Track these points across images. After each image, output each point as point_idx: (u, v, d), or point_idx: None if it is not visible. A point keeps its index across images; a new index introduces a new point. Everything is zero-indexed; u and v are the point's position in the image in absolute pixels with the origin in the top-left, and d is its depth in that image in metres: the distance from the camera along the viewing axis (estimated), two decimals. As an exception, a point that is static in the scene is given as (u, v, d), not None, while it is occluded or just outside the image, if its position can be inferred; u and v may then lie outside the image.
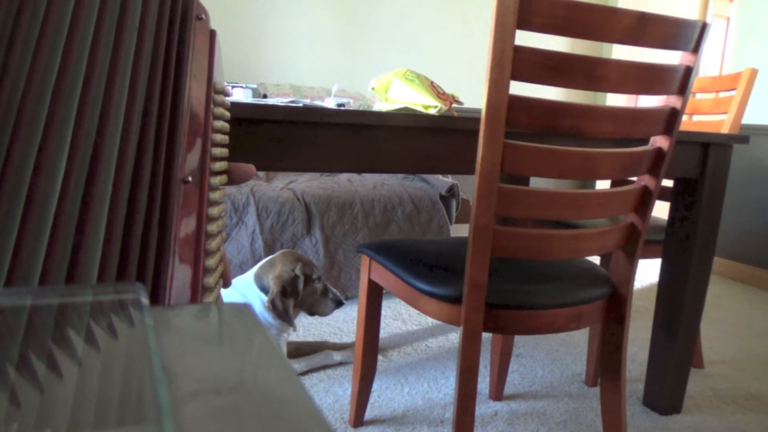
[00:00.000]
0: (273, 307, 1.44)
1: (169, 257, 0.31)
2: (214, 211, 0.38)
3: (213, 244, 0.37)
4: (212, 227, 0.37)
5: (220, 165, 0.40)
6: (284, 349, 1.61)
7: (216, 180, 0.39)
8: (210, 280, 0.35)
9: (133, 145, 0.32)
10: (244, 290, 1.51)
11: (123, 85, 0.33)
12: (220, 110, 0.41)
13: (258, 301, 1.47)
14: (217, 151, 0.40)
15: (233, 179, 0.45)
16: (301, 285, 1.50)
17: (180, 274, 0.32)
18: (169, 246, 0.32)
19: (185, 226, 0.34)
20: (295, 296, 1.49)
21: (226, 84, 0.48)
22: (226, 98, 0.46)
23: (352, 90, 3.00)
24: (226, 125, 0.44)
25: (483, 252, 0.91)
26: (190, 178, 0.35)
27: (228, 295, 1.51)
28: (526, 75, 0.84)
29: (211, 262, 0.36)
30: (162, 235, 0.32)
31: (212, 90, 0.40)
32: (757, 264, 2.87)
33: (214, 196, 0.38)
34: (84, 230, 0.29)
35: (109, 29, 0.33)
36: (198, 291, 0.33)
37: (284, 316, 1.45)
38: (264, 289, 1.48)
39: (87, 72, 0.31)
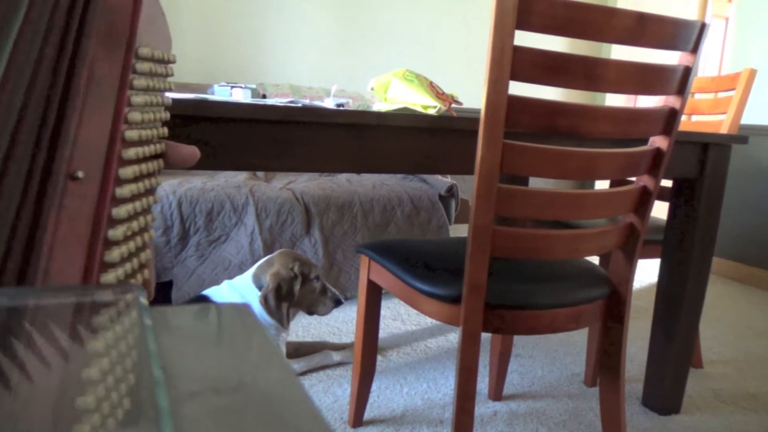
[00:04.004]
0: (265, 302, 1.44)
1: (38, 267, 0.26)
2: (120, 211, 0.30)
3: (115, 253, 0.29)
4: (116, 232, 0.29)
5: (135, 151, 0.32)
6: (283, 349, 1.60)
7: (128, 171, 0.31)
8: None
9: (6, 131, 0.26)
10: (243, 290, 1.51)
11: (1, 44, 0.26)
12: (143, 81, 0.33)
13: (257, 301, 1.47)
14: (134, 135, 0.31)
15: (171, 164, 0.38)
16: (297, 285, 1.50)
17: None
18: (40, 256, 0.26)
19: (69, 232, 0.27)
20: (289, 298, 1.48)
21: (171, 53, 0.38)
22: (170, 66, 0.38)
23: (351, 90, 2.99)
24: (158, 99, 0.36)
25: (482, 252, 0.91)
26: (80, 174, 0.28)
27: (226, 295, 1.51)
28: (526, 75, 0.84)
29: (110, 277, 0.28)
30: (30, 240, 0.26)
31: (132, 57, 0.32)
32: (756, 264, 2.88)
33: (123, 191, 0.30)
34: None
35: None
36: None
37: (275, 314, 1.44)
38: (262, 289, 1.48)
39: None
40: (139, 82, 0.32)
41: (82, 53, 0.28)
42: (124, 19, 0.31)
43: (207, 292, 1.56)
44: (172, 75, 0.38)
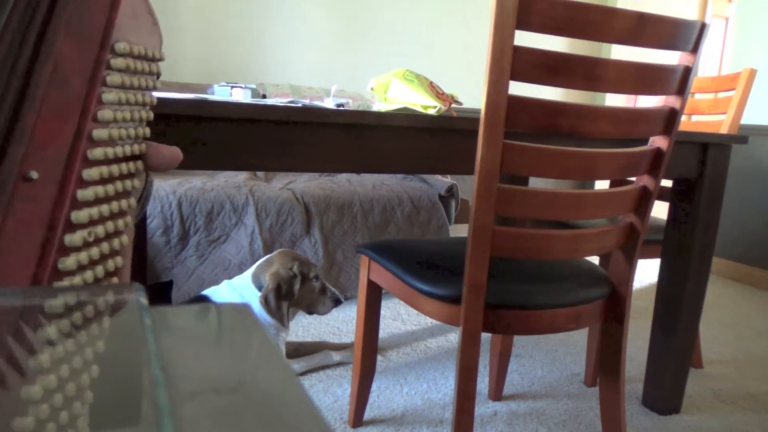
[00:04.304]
0: (266, 302, 1.44)
1: None
2: (80, 215, 0.27)
3: (71, 260, 0.27)
4: (73, 237, 0.27)
5: (104, 151, 0.30)
6: (283, 349, 1.60)
7: (93, 172, 0.29)
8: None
9: None
10: (242, 290, 1.51)
11: None
12: (117, 78, 0.31)
13: (256, 300, 1.47)
14: (104, 134, 0.29)
15: (151, 165, 0.36)
16: (297, 285, 1.50)
17: None
18: None
19: (15, 237, 0.24)
20: (289, 297, 1.48)
21: (161, 51, 0.37)
22: (157, 64, 0.35)
23: (351, 90, 2.99)
24: (138, 97, 0.33)
25: (482, 252, 0.91)
26: (34, 174, 0.25)
27: (226, 295, 1.51)
28: (526, 75, 0.84)
29: (65, 284, 0.26)
30: None
31: (106, 52, 0.30)
32: (756, 264, 2.87)
33: (86, 194, 0.28)
34: None
35: None
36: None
37: (276, 314, 1.45)
38: (262, 289, 1.48)
39: None
40: (113, 78, 0.30)
41: (47, 46, 0.26)
42: (100, 14, 0.29)
43: (206, 292, 1.56)
44: (160, 73, 0.37)
